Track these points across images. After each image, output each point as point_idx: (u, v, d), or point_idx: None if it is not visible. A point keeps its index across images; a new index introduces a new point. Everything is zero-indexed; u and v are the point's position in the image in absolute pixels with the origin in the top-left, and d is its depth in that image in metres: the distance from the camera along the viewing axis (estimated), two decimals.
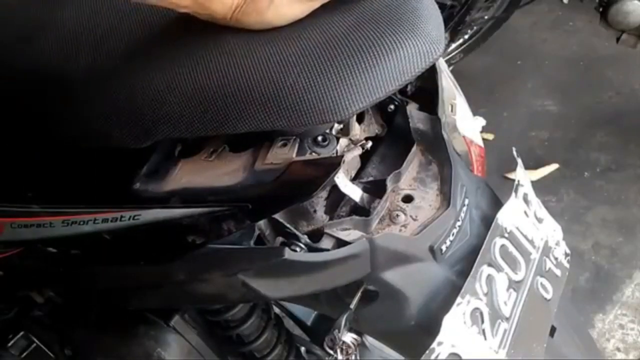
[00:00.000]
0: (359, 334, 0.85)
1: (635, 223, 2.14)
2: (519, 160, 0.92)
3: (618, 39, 2.19)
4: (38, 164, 0.81)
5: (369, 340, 1.01)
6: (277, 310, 1.13)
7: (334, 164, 0.67)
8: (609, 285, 1.99)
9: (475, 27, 2.60)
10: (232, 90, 0.63)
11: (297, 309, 1.19)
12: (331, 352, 0.76)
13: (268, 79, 0.62)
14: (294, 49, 0.64)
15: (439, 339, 0.71)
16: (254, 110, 0.62)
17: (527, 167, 1.13)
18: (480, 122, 2.52)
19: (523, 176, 0.89)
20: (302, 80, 0.61)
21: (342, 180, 0.74)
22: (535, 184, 0.90)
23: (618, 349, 1.85)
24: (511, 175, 2.20)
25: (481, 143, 1.06)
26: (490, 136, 2.46)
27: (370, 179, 0.82)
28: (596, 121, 2.52)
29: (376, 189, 0.79)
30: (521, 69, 2.83)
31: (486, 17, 2.55)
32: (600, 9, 2.14)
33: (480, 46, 2.66)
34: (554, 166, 2.37)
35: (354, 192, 0.76)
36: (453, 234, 0.78)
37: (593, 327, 1.88)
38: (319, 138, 0.72)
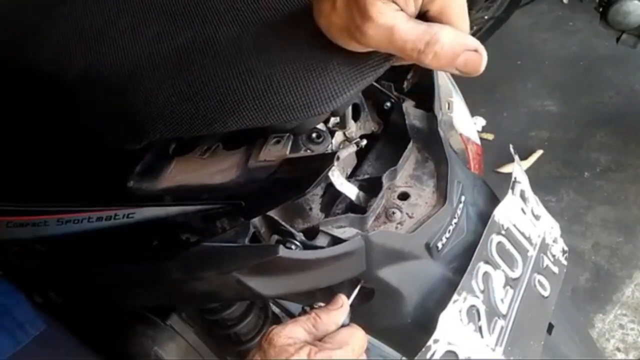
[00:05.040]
0: None
1: (635, 223, 2.14)
2: (517, 158, 0.92)
3: (618, 39, 2.19)
4: (33, 163, 0.81)
5: (367, 338, 1.01)
6: (275, 309, 1.13)
7: (328, 160, 0.66)
8: (609, 285, 1.99)
9: (475, 27, 2.59)
10: (221, 88, 0.63)
11: (295, 308, 1.18)
12: None
13: (256, 75, 0.62)
14: (283, 45, 0.64)
15: (435, 336, 0.70)
16: (243, 108, 0.62)
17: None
18: (480, 122, 2.52)
19: (520, 173, 0.89)
20: (290, 74, 0.61)
21: (338, 179, 0.74)
22: (535, 184, 0.90)
23: (618, 349, 1.84)
24: (503, 170, 2.24)
25: (478, 141, 1.06)
26: (490, 136, 2.46)
27: (366, 176, 0.82)
28: (596, 121, 2.51)
29: (372, 187, 0.78)
30: (521, 69, 2.83)
31: (486, 17, 2.55)
32: (600, 9, 2.14)
33: None
34: (539, 152, 2.41)
35: (350, 191, 0.76)
36: (449, 231, 0.78)
37: (593, 327, 1.88)
38: (313, 135, 0.72)
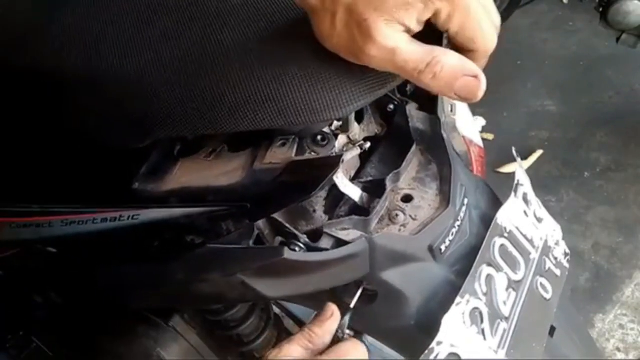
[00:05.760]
0: (359, 333, 0.85)
1: (635, 223, 2.15)
2: (519, 160, 0.92)
3: (618, 39, 2.19)
4: (37, 164, 0.81)
5: (369, 340, 1.01)
6: (277, 310, 1.13)
7: (333, 163, 0.66)
8: (609, 285, 1.99)
9: None
10: (230, 89, 0.63)
11: (297, 309, 1.19)
12: None
13: (266, 77, 0.62)
14: (292, 47, 0.64)
15: (438, 338, 0.71)
16: (252, 109, 0.62)
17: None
18: (480, 122, 2.52)
19: (523, 176, 0.89)
20: (300, 77, 0.61)
21: (342, 181, 0.74)
22: (535, 184, 0.90)
23: (618, 349, 1.85)
24: (503, 170, 2.24)
25: (481, 143, 1.06)
26: (490, 136, 2.46)
27: (370, 178, 0.82)
28: (596, 121, 2.52)
29: (375, 189, 0.78)
30: (521, 69, 2.83)
31: None
32: (600, 9, 2.14)
33: None
34: (539, 152, 2.43)
35: (354, 192, 0.76)
36: (452, 234, 0.78)
37: (593, 327, 1.89)
38: (318, 137, 0.72)
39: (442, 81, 0.56)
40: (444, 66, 0.55)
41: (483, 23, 0.56)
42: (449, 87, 0.56)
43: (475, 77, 0.56)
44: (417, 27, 0.55)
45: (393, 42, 0.54)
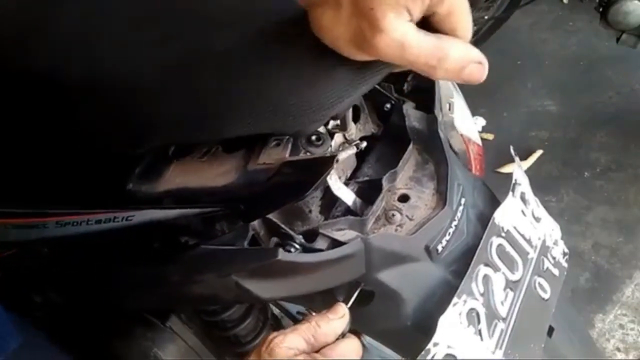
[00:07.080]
0: (357, 333, 0.85)
1: (635, 223, 2.14)
2: (517, 159, 0.92)
3: (618, 39, 2.18)
4: (32, 165, 0.80)
5: (367, 340, 1.01)
6: (275, 310, 1.13)
7: (328, 163, 0.66)
8: (609, 285, 1.99)
9: (475, 27, 2.59)
10: (225, 94, 0.63)
11: (295, 309, 1.18)
12: None
13: (259, 82, 0.62)
14: (281, 53, 0.63)
15: (434, 339, 0.70)
16: (247, 114, 0.62)
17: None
18: (480, 122, 2.52)
19: (520, 175, 0.89)
20: (291, 82, 0.61)
21: (335, 183, 0.74)
22: (535, 184, 0.90)
23: (618, 349, 1.84)
24: (502, 170, 2.24)
25: (479, 142, 1.06)
26: (490, 136, 2.46)
27: (366, 178, 0.81)
28: (596, 121, 2.51)
29: (372, 189, 0.78)
30: (521, 69, 2.82)
31: (486, 17, 2.55)
32: (600, 9, 2.14)
33: (480, 46, 2.64)
34: (539, 152, 2.42)
35: (347, 196, 0.76)
36: (449, 234, 0.78)
37: (593, 327, 1.88)
38: (313, 137, 0.72)
39: (452, 73, 0.57)
40: (454, 60, 0.56)
41: (467, 12, 0.57)
42: (456, 77, 0.57)
43: (480, 62, 0.58)
44: (418, 17, 0.55)
45: (401, 33, 0.53)
